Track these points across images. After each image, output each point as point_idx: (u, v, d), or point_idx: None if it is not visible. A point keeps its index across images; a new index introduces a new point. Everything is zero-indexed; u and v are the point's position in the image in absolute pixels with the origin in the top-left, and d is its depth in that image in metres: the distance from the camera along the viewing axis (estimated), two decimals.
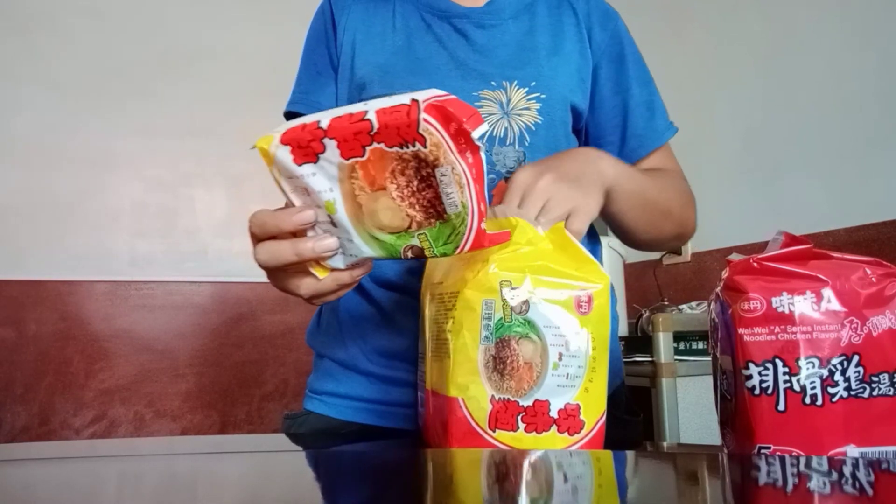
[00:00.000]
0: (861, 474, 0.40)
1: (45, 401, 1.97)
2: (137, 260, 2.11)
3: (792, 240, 0.51)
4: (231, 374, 2.15)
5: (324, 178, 0.50)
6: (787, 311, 0.48)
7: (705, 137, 2.13)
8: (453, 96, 0.47)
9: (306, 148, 0.49)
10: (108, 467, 0.54)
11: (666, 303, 2.02)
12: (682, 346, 1.67)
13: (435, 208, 0.49)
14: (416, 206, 0.50)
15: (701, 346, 1.69)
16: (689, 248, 2.17)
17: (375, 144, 0.48)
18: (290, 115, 0.86)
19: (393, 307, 0.78)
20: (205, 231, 2.19)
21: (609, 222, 0.76)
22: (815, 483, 0.40)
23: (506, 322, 0.52)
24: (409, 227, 0.50)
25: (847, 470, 0.42)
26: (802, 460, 0.45)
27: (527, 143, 0.77)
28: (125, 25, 2.16)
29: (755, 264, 0.49)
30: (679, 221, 0.80)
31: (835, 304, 0.48)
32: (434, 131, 0.46)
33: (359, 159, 0.49)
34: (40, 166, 2.03)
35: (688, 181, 0.84)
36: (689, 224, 0.82)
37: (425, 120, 0.46)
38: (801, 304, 0.48)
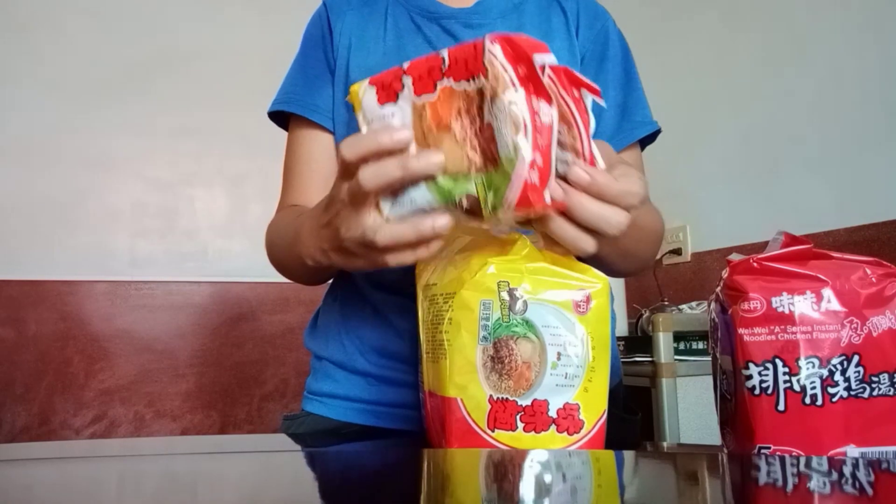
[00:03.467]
0: (861, 474, 0.40)
1: (45, 401, 1.97)
2: (137, 260, 2.11)
3: (792, 240, 0.51)
4: (231, 374, 2.15)
5: (400, 120, 0.51)
6: (787, 311, 0.48)
7: (705, 136, 2.13)
8: (525, 34, 0.46)
9: (388, 88, 0.51)
10: (108, 467, 0.54)
11: (666, 303, 2.02)
12: (682, 346, 1.67)
13: (493, 152, 0.47)
14: (477, 148, 0.48)
15: (701, 346, 1.69)
16: (689, 248, 2.17)
17: (445, 81, 0.48)
18: (275, 116, 0.85)
19: (389, 308, 0.78)
20: (205, 231, 2.18)
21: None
22: (815, 483, 0.40)
23: (504, 322, 0.52)
24: (469, 170, 0.49)
25: (847, 470, 0.42)
26: (802, 460, 0.45)
27: None
28: (124, 25, 2.16)
29: (755, 264, 0.49)
30: (654, 252, 0.79)
31: (835, 304, 0.47)
32: (496, 62, 0.45)
33: (429, 97, 0.49)
34: (40, 166, 2.03)
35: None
36: (655, 255, 0.81)
37: (489, 51, 0.45)
38: (801, 304, 0.48)
